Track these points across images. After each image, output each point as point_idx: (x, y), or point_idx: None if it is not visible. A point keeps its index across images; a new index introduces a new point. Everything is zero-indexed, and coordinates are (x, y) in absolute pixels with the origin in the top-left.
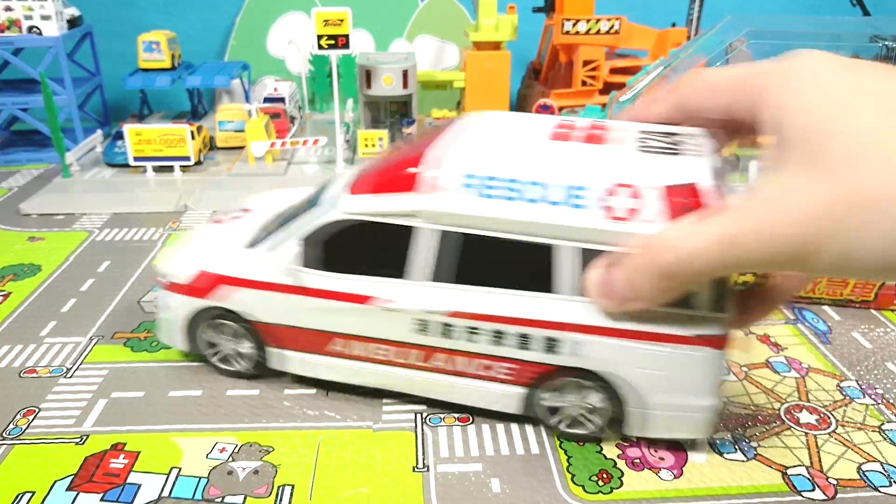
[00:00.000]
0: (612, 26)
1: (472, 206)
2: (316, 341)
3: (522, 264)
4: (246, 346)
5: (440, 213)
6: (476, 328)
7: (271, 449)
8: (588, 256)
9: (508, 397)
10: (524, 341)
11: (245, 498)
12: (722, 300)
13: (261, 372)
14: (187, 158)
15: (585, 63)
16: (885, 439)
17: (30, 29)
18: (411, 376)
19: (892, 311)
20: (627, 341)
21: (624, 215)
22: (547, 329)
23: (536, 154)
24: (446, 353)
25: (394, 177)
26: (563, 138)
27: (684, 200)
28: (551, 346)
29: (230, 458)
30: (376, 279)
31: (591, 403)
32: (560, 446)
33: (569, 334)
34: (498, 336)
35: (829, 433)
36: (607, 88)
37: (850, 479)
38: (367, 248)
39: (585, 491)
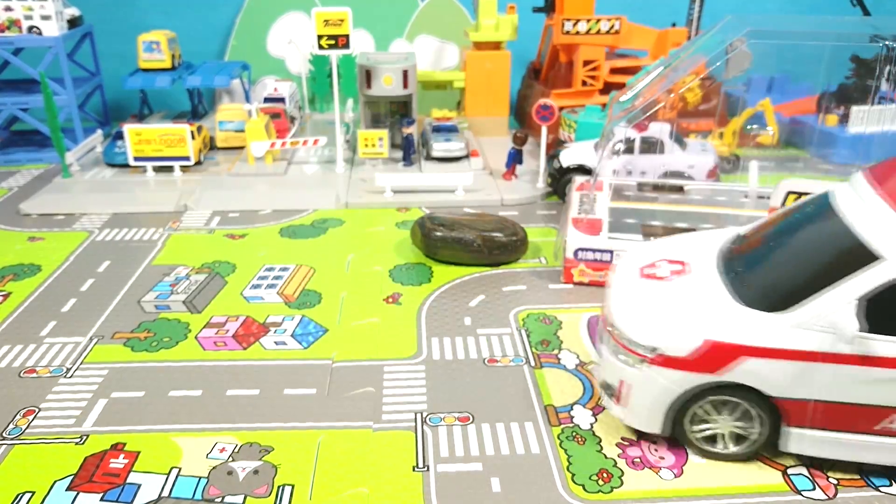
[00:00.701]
0: (612, 26)
1: None
2: (867, 418)
3: None
4: (751, 426)
5: None
6: None
7: (271, 449)
8: None
9: None
10: None
11: (245, 498)
12: None
13: (753, 454)
14: (187, 158)
15: (585, 63)
16: None
17: (30, 29)
18: None
19: None
20: None
21: None
22: None
23: None
24: None
25: None
26: None
27: None
28: None
29: (230, 458)
30: None
31: None
32: (560, 446)
33: None
34: None
35: None
36: (607, 88)
37: (850, 479)
38: None
39: (585, 490)
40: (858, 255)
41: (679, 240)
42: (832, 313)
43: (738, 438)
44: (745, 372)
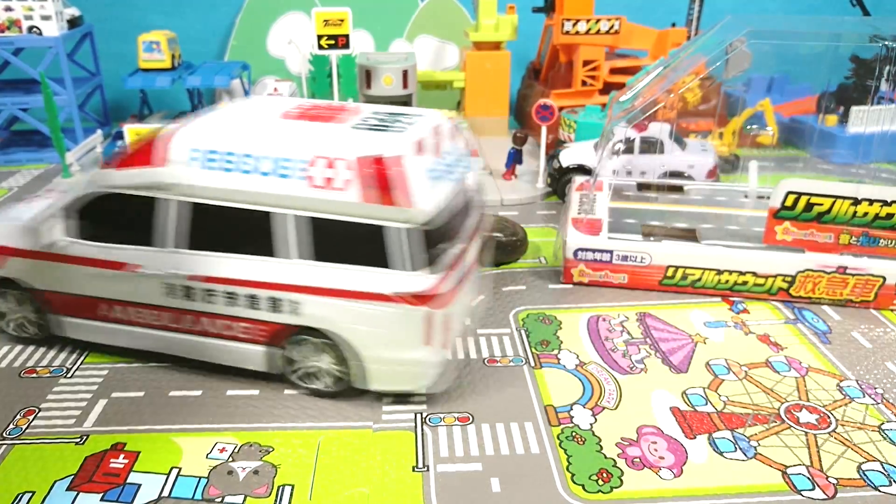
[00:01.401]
0: (612, 26)
1: (195, 177)
2: (85, 307)
3: (247, 230)
4: (30, 314)
5: (170, 184)
6: (212, 290)
7: (271, 449)
8: (299, 222)
9: (253, 356)
10: (253, 302)
11: (245, 498)
12: (422, 259)
13: (46, 336)
14: None
15: (585, 63)
16: (885, 439)
17: (30, 29)
18: (168, 338)
19: (892, 311)
20: (335, 300)
21: (322, 184)
22: (270, 290)
23: (259, 131)
24: (192, 314)
25: (135, 152)
26: (292, 117)
27: (371, 169)
28: (275, 305)
29: (230, 458)
30: (129, 247)
31: (321, 359)
32: (560, 446)
33: (288, 294)
34: (231, 297)
35: (829, 433)
36: (607, 88)
37: (850, 479)
38: (120, 218)
39: (585, 490)
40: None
41: None
42: (47, 219)
43: (33, 324)
44: (9, 269)
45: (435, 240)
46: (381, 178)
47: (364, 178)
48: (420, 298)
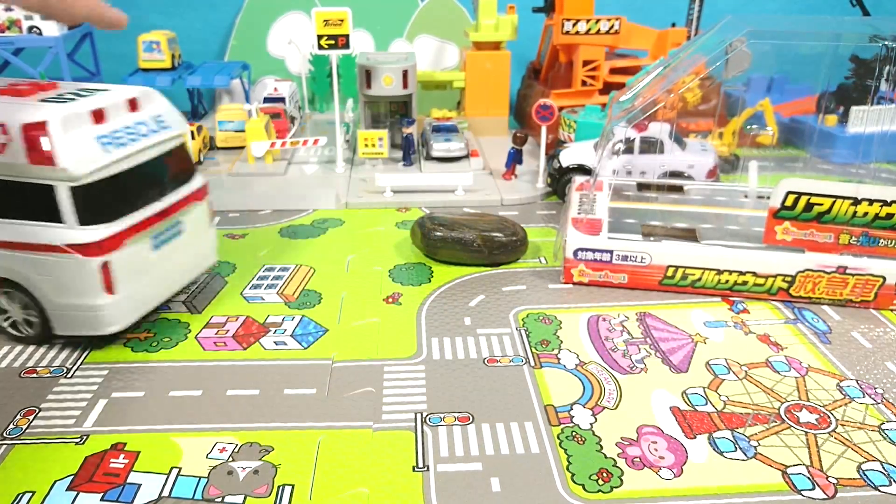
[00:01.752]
0: (612, 26)
1: None
2: None
3: None
4: None
5: None
6: None
7: (271, 449)
8: None
9: None
10: None
11: (245, 498)
12: (85, 213)
13: None
14: None
15: (585, 63)
16: (884, 439)
17: (30, 29)
18: None
19: (892, 311)
20: (17, 252)
21: None
22: None
23: None
24: None
25: None
26: None
27: (34, 133)
28: None
29: (230, 458)
30: None
31: (18, 308)
32: (560, 446)
33: None
34: None
35: (829, 432)
36: (607, 88)
37: (849, 479)
38: None
39: (585, 490)
40: None
41: None
42: None
43: None
44: None
45: (104, 196)
46: (37, 141)
47: (25, 141)
48: (85, 248)
